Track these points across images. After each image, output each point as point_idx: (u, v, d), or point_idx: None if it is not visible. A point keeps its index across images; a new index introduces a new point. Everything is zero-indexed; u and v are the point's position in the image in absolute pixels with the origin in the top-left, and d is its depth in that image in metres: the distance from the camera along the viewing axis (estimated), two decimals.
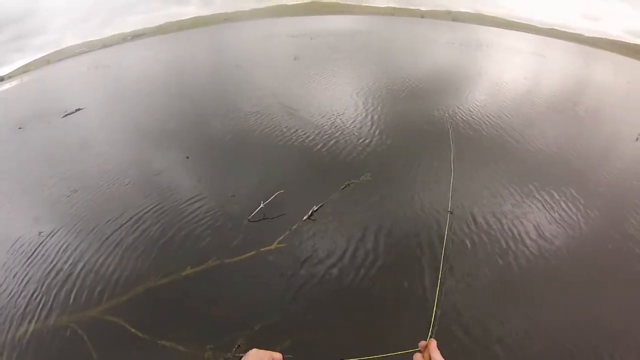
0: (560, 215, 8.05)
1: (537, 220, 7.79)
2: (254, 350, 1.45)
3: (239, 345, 4.77)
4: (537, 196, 8.70)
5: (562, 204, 8.46)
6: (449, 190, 8.56)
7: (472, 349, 5.00)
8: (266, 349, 1.48)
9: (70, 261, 6.95)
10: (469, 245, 6.94)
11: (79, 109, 18.11)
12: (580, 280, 6.39)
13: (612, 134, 14.36)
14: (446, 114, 14.01)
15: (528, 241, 7.11)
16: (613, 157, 11.70)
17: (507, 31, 77.63)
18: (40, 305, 5.98)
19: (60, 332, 5.46)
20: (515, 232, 7.35)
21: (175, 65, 29.53)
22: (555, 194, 8.82)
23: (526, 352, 5.01)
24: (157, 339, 5.04)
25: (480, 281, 6.18)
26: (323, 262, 6.52)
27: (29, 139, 14.98)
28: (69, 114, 17.50)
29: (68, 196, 9.49)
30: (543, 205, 8.36)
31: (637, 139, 13.78)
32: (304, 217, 7.58)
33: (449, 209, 7.85)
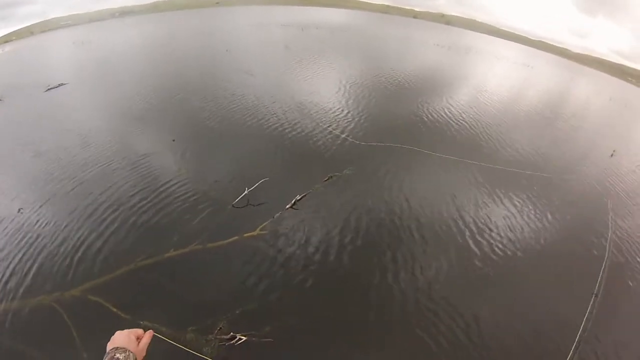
0: (527, 222, 8.55)
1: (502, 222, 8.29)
2: (118, 332, 1.55)
3: (220, 328, 4.87)
4: (505, 201, 9.17)
5: (530, 212, 8.96)
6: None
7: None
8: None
9: (50, 239, 6.86)
10: (444, 237, 7.31)
11: (62, 84, 17.59)
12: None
13: (590, 148, 15.06)
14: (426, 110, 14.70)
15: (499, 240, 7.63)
16: (589, 171, 12.30)
17: (497, 39, 78.75)
18: (20, 283, 5.90)
19: (40, 311, 5.43)
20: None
21: (164, 46, 28.84)
22: (526, 201, 9.32)
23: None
24: (139, 320, 5.08)
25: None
26: (304, 249, 6.73)
27: (9, 112, 14.51)
28: (51, 89, 17.00)
29: (48, 173, 9.31)
30: (509, 210, 8.85)
31: (611, 155, 14.40)
32: (287, 206, 7.73)
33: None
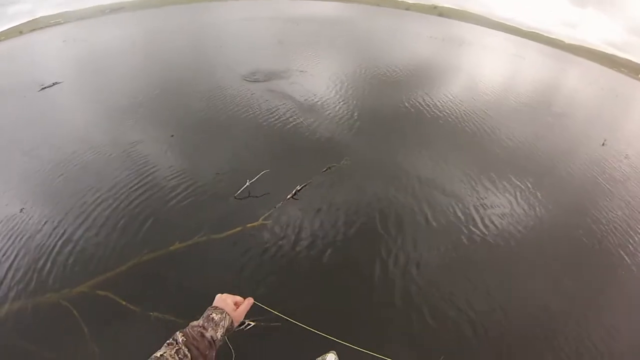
0: (521, 205, 8.82)
1: (498, 207, 8.58)
2: (218, 295, 1.62)
3: None
4: (500, 187, 9.42)
5: (523, 197, 9.21)
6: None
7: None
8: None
9: (54, 237, 6.87)
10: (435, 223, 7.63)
11: (56, 83, 17.46)
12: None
13: (581, 137, 15.28)
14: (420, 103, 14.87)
15: (490, 225, 7.86)
16: (580, 160, 12.52)
17: (490, 30, 78.62)
18: (26, 282, 5.90)
19: (49, 308, 5.44)
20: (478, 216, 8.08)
21: (156, 41, 28.66)
22: (519, 188, 9.54)
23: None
24: (149, 311, 5.16)
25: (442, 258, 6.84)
26: (305, 238, 6.87)
27: (5, 113, 14.40)
28: (45, 88, 16.88)
29: (48, 171, 9.29)
30: (505, 196, 9.10)
31: (603, 144, 14.59)
32: (288, 196, 7.84)
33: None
